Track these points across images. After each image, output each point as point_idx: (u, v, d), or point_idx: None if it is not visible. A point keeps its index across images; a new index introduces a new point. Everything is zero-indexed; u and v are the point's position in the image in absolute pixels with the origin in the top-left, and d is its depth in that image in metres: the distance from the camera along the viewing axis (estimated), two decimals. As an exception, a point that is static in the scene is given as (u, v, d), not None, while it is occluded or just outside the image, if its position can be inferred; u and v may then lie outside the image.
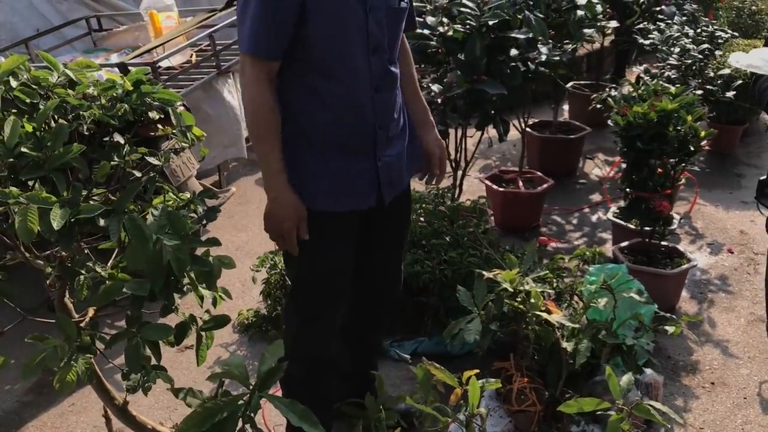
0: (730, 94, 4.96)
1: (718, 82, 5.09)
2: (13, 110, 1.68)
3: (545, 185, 4.42)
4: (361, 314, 2.55)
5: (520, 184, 4.44)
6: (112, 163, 1.74)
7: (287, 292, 2.38)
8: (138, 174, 1.82)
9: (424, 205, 3.56)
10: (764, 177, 3.44)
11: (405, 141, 2.28)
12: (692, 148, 3.29)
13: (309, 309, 2.28)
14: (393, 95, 2.18)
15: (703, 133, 3.28)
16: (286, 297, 2.38)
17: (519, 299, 2.66)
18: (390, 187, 2.22)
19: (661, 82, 3.64)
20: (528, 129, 4.77)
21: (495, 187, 4.36)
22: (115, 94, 1.79)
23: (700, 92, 4.40)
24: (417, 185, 4.15)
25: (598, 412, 2.35)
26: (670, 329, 2.70)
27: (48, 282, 1.74)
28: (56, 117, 1.70)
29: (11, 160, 1.55)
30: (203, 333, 1.88)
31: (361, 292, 2.48)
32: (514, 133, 4.75)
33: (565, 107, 6.49)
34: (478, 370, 2.25)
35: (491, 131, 4.06)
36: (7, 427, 2.78)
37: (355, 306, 2.50)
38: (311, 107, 2.06)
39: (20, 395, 2.96)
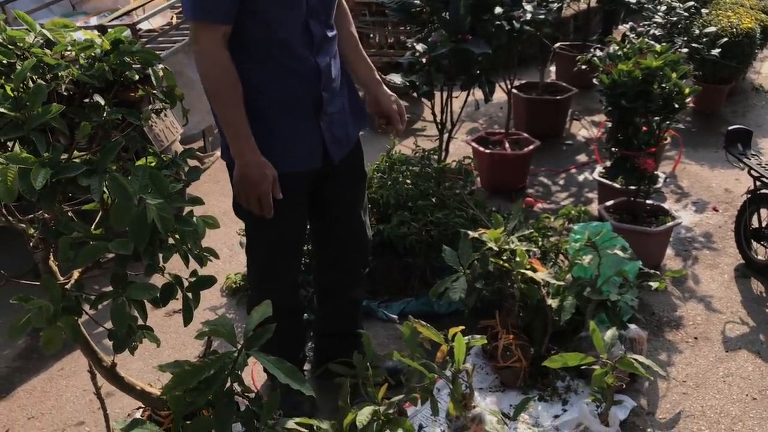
0: (715, 52, 4.95)
1: (704, 40, 5.08)
2: (-10, 71, 1.65)
3: (531, 146, 4.42)
4: (335, 271, 2.59)
5: (507, 145, 4.44)
6: (92, 123, 1.72)
7: (247, 249, 2.44)
8: (119, 134, 1.80)
9: (410, 167, 3.56)
10: (732, 127, 3.47)
11: (345, 98, 2.31)
12: (677, 106, 3.29)
13: (267, 265, 2.38)
14: (333, 57, 2.23)
15: (687, 90, 3.27)
16: (247, 255, 2.44)
17: (504, 258, 2.68)
18: (336, 145, 2.26)
19: (646, 40, 3.62)
20: (514, 90, 4.76)
21: (481, 149, 4.36)
22: (93, 54, 1.76)
23: (685, 50, 4.38)
24: (403, 147, 4.15)
25: (583, 367, 2.39)
26: (655, 285, 2.73)
27: (32, 244, 1.73)
28: (34, 77, 1.67)
29: (-11, 120, 1.52)
30: (189, 294, 1.87)
31: (330, 248, 2.55)
32: (500, 96, 4.74)
33: (552, 69, 6.46)
34: (463, 327, 2.27)
35: (477, 93, 4.05)
36: (-3, 391, 2.80)
37: (327, 263, 2.59)
38: (256, 74, 2.08)
39: (9, 361, 2.97)
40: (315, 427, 2.13)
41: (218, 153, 4.98)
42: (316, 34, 2.13)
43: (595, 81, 3.60)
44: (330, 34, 2.21)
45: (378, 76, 2.42)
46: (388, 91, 2.42)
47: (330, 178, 2.35)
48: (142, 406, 2.28)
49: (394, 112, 2.39)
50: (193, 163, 2.25)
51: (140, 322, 1.79)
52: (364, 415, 1.96)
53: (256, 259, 2.41)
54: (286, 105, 2.13)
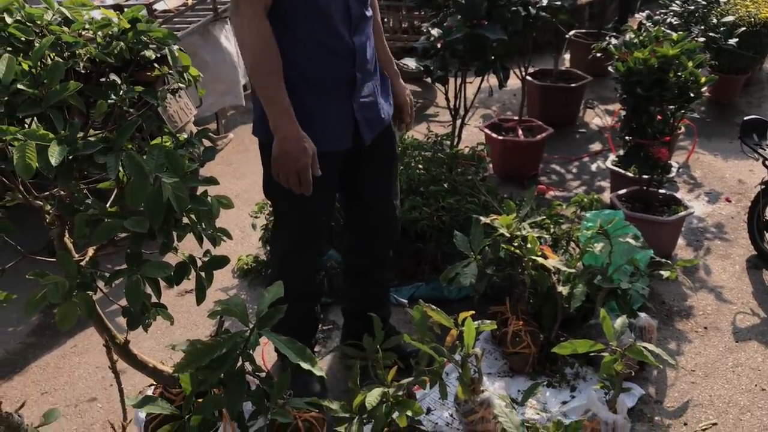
0: (732, 41, 4.90)
1: (721, 29, 5.03)
2: (8, 48, 1.66)
3: (545, 134, 4.40)
4: (365, 253, 2.61)
5: (520, 132, 4.42)
6: (109, 101, 1.73)
7: (273, 228, 2.46)
8: (135, 112, 1.81)
9: (422, 153, 3.55)
10: (748, 117, 3.44)
11: (377, 80, 2.32)
12: (692, 95, 3.27)
13: (292, 245, 2.37)
14: (368, 38, 2.23)
15: (703, 79, 3.25)
16: (272, 233, 2.47)
17: (516, 244, 2.68)
18: (368, 126, 2.27)
19: (663, 29, 3.59)
20: (528, 77, 4.73)
21: (494, 135, 4.35)
22: (111, 32, 1.77)
23: (702, 39, 4.34)
24: (415, 133, 4.14)
25: (592, 354, 2.40)
26: (666, 274, 2.73)
27: (47, 221, 1.75)
28: (52, 55, 1.68)
29: (7, 98, 1.54)
30: (202, 273, 1.89)
31: (361, 231, 2.55)
32: (514, 82, 4.71)
33: (567, 56, 6.42)
34: (473, 312, 2.28)
35: (491, 80, 4.03)
36: (12, 366, 2.83)
37: (358, 245, 2.59)
38: (292, 49, 2.08)
39: (23, 337, 3.00)
40: (324, 407, 2.15)
41: (231, 135, 5.00)
42: (355, 12, 2.13)
43: (610, 69, 3.58)
44: (368, 13, 2.22)
45: (396, 69, 2.44)
46: (403, 84, 2.47)
47: (363, 160, 2.35)
48: (154, 383, 2.31)
49: (407, 105, 2.44)
50: (207, 144, 2.26)
51: (154, 300, 1.81)
52: (373, 396, 1.98)
53: (283, 238, 2.40)
54: (320, 83, 2.13)
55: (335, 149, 2.20)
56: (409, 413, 2.05)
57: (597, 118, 5.46)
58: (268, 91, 2.03)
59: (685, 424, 2.51)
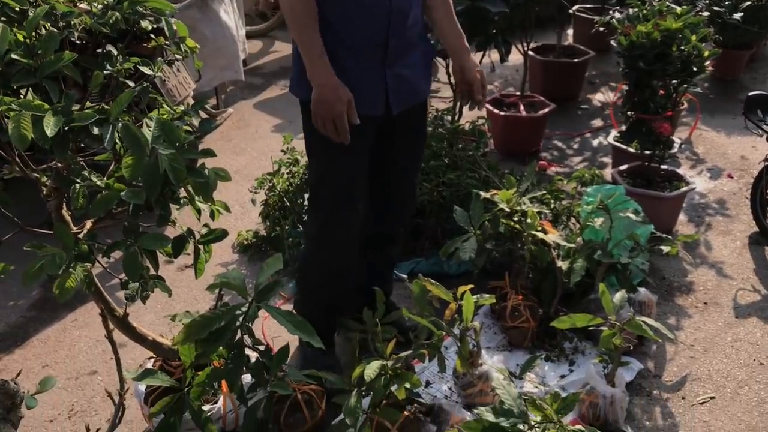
0: (737, 16, 4.85)
1: (726, 3, 4.97)
2: (2, 18, 1.65)
3: (546, 109, 4.38)
4: (377, 226, 2.58)
5: (522, 108, 4.39)
6: (105, 72, 1.72)
7: (309, 190, 2.46)
8: (132, 84, 1.80)
9: (423, 127, 3.53)
10: (752, 93, 3.42)
11: (420, 51, 2.28)
12: (695, 69, 3.24)
13: (327, 210, 2.34)
14: (412, 4, 2.18)
15: (707, 53, 3.22)
16: (308, 204, 2.46)
17: (516, 219, 2.68)
18: (398, 96, 2.23)
19: (666, 2, 3.55)
20: (531, 52, 4.69)
21: (496, 110, 4.32)
22: (106, 2, 1.75)
23: (706, 13, 4.29)
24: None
25: (591, 329, 2.40)
26: (666, 249, 2.73)
27: (44, 193, 1.74)
28: (46, 25, 1.66)
29: (1, 68, 1.53)
30: (201, 246, 1.89)
31: (377, 204, 2.52)
32: (516, 58, 4.68)
33: (570, 31, 6.37)
34: (472, 285, 2.28)
35: (493, 56, 3.99)
36: (13, 339, 2.84)
37: (371, 220, 2.54)
38: (328, 5, 2.07)
39: (24, 311, 3.01)
40: (323, 379, 2.16)
41: (230, 110, 4.98)
42: None
43: (613, 43, 3.55)
44: None
45: (466, 44, 2.37)
46: (474, 61, 2.37)
47: (393, 133, 2.34)
48: (154, 356, 2.32)
49: (477, 81, 2.33)
50: (203, 116, 2.25)
51: (152, 273, 1.81)
52: (372, 369, 1.99)
53: (320, 205, 2.37)
54: (354, 43, 2.12)
55: (368, 114, 2.18)
56: (408, 386, 2.06)
57: (599, 93, 5.42)
58: (304, 42, 2.07)
59: (683, 397, 2.52)
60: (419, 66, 2.30)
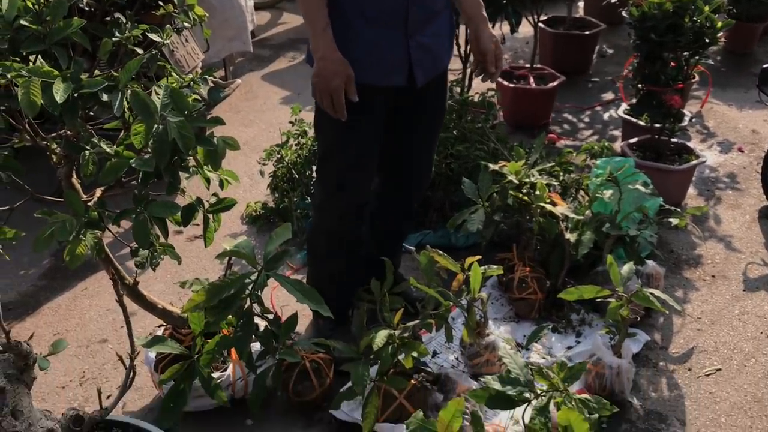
0: (752, -13, 4.78)
1: (741, -26, 4.90)
2: (11, -16, 1.64)
3: (557, 82, 4.34)
4: (391, 200, 2.58)
5: (531, 80, 4.36)
6: (113, 39, 1.71)
7: (317, 161, 2.41)
8: (141, 52, 1.80)
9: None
10: (767, 65, 3.38)
11: (444, 22, 2.24)
12: (708, 40, 3.20)
13: (334, 179, 2.33)
14: None
15: (719, 24, 3.18)
16: (316, 176, 2.44)
17: (524, 191, 2.67)
18: (421, 69, 2.19)
19: (680, -27, 3.50)
20: (541, 24, 4.64)
21: (505, 83, 4.29)
22: (114, -31, 1.75)
23: (720, -15, 4.23)
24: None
25: (598, 300, 2.41)
26: (675, 221, 2.72)
27: (54, 161, 1.75)
28: (55, -8, 1.65)
29: (10, 34, 1.52)
30: (210, 215, 1.90)
31: (394, 177, 2.51)
32: (526, 30, 4.63)
33: (581, 3, 6.29)
34: (480, 257, 2.29)
35: (503, 27, 3.95)
36: (25, 308, 2.87)
37: (383, 188, 2.54)
38: None
39: (35, 280, 3.04)
40: (332, 348, 2.18)
41: (239, 81, 4.96)
42: None
43: (624, 14, 3.51)
44: None
45: (484, 14, 2.30)
46: (491, 31, 2.30)
47: (413, 106, 2.31)
48: (164, 324, 2.34)
49: (491, 52, 2.25)
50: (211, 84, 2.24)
51: (162, 240, 1.82)
52: (379, 337, 2.00)
53: (327, 174, 2.35)
54: (371, 10, 2.08)
55: (388, 85, 2.17)
56: (415, 354, 2.08)
57: (610, 66, 5.37)
58: (308, 13, 2.07)
59: (690, 369, 2.53)
60: (443, 35, 2.26)
